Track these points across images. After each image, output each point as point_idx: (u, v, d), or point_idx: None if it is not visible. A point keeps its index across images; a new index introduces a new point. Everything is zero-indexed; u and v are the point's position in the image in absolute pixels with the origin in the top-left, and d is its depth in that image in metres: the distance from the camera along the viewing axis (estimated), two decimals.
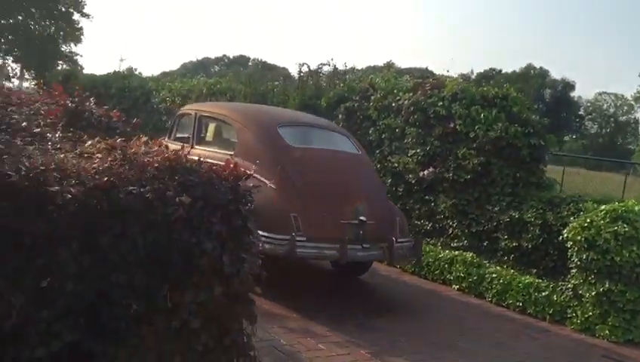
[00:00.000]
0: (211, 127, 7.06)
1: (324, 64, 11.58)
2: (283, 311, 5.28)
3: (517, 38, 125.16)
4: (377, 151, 9.04)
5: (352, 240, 5.57)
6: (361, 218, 5.64)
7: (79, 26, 38.29)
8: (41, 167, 2.61)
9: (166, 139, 6.83)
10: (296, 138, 6.37)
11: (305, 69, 11.33)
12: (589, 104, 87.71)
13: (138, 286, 2.75)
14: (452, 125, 8.12)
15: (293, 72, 13.00)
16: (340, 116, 9.57)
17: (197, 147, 6.65)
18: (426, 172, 8.18)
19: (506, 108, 7.92)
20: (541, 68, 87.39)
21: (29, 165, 2.57)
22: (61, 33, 38.04)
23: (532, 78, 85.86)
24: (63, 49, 38.87)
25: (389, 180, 8.67)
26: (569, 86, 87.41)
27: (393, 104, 8.96)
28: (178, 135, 7.43)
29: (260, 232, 4.75)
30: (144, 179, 2.86)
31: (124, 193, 2.68)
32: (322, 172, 6.00)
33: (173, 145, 6.77)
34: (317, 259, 6.47)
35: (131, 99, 14.46)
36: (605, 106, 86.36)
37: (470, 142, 7.89)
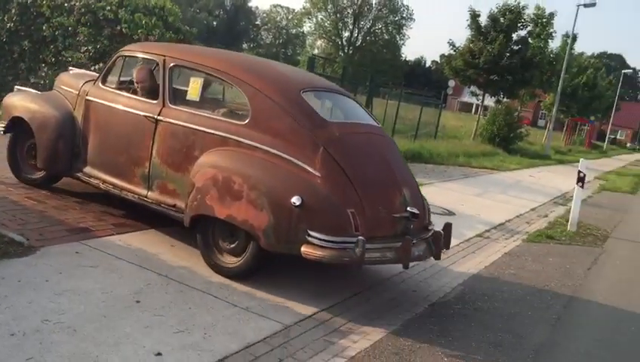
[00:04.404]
0: (196, 82, 5.15)
1: None
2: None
3: None
4: (52, 47, 10.13)
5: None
6: (413, 210, 4.68)
7: None
8: None
9: (99, 83, 5.56)
10: (324, 109, 5.14)
11: None
12: (264, 15, 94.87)
13: None
14: (119, 28, 9.74)
15: None
16: (14, 11, 10.24)
17: (174, 106, 5.03)
18: (96, 66, 9.72)
19: (164, 18, 9.89)
20: None
21: None
22: None
23: None
24: None
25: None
26: None
27: (66, 4, 10.07)
28: (122, 79, 5.67)
29: (315, 234, 4.18)
30: None
31: None
32: (365, 154, 4.89)
33: (123, 99, 5.24)
34: (376, 264, 5.04)
35: None
36: (279, 18, 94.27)
37: (134, 42, 9.65)
